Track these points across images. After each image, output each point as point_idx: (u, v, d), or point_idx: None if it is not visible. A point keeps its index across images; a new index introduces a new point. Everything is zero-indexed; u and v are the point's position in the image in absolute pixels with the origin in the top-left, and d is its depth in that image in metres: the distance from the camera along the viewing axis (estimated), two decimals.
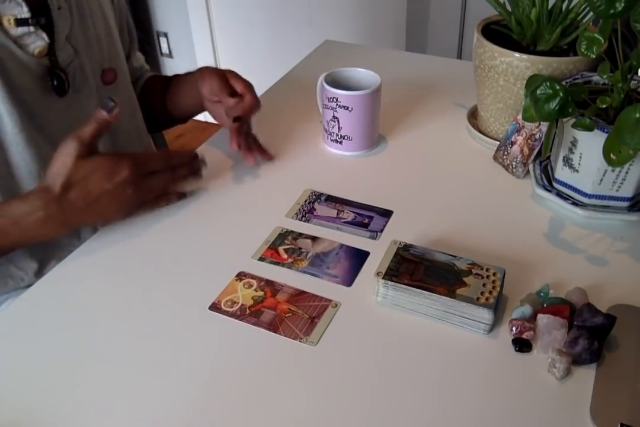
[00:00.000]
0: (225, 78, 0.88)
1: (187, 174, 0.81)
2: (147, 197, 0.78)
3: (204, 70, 0.90)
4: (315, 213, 0.82)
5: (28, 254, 0.86)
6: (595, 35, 0.70)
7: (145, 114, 1.03)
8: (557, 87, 0.70)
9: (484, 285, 0.64)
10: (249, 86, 0.87)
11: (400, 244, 0.70)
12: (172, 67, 2.71)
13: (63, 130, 0.78)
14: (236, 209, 0.83)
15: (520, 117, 0.82)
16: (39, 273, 0.87)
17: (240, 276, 0.72)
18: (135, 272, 0.73)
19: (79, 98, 0.87)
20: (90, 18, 0.87)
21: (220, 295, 0.70)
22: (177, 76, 1.05)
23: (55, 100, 0.83)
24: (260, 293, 0.70)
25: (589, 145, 0.75)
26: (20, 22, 0.77)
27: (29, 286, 0.74)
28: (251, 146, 0.90)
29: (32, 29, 0.78)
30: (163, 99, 1.05)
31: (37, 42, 0.79)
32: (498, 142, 0.91)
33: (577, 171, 0.78)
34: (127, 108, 0.97)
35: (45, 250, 0.88)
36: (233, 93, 0.87)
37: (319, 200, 0.84)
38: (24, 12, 0.77)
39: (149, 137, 1.08)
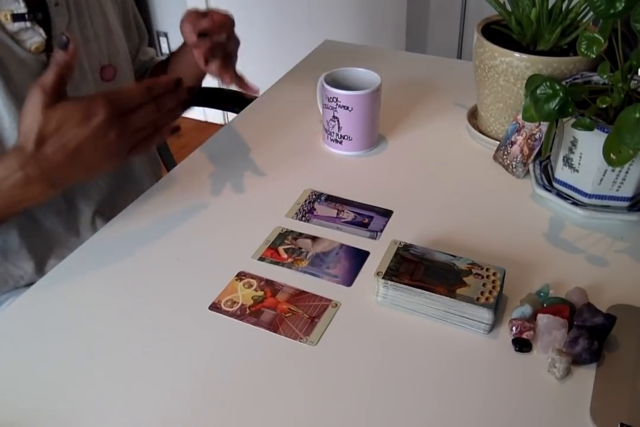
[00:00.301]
0: (204, 14, 0.84)
1: (174, 104, 0.71)
2: (135, 139, 0.68)
3: (186, 12, 0.85)
4: (315, 213, 0.82)
5: (26, 252, 0.86)
6: (595, 35, 0.70)
7: None
8: (557, 87, 0.70)
9: (484, 285, 0.64)
10: (221, 12, 0.83)
11: (400, 244, 0.70)
12: None
13: None
14: (236, 208, 0.83)
15: (520, 117, 0.82)
16: (39, 271, 0.87)
17: (240, 275, 0.72)
18: (135, 272, 0.73)
19: (77, 95, 0.87)
20: (88, 14, 0.87)
21: (220, 295, 0.70)
22: (173, 52, 1.04)
23: None
24: (260, 293, 0.70)
25: (589, 145, 0.75)
26: (16, 17, 0.77)
27: (29, 284, 0.74)
28: (227, 69, 0.84)
29: (28, 24, 0.78)
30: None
31: (34, 37, 0.79)
32: (498, 142, 0.91)
33: (577, 171, 0.78)
34: None
35: (43, 247, 0.88)
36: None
37: (319, 200, 0.84)
38: (21, 8, 0.77)
39: None
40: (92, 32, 0.88)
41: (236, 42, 0.88)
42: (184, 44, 0.97)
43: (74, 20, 0.85)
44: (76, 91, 0.86)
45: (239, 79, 0.86)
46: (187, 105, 0.74)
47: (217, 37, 0.83)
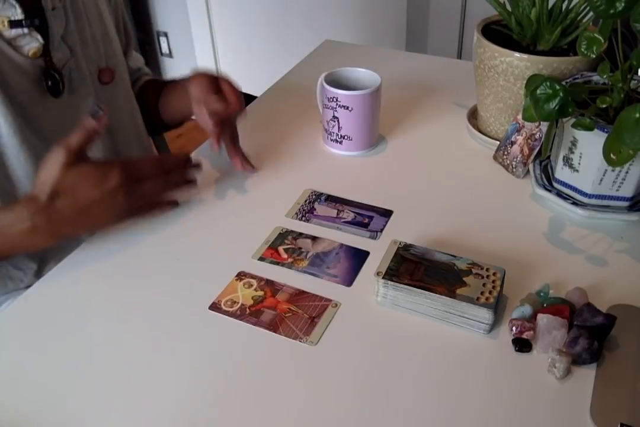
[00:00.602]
0: (215, 80, 0.85)
1: (180, 180, 0.79)
2: (137, 204, 0.74)
3: (197, 73, 0.87)
4: (315, 213, 0.82)
5: (26, 255, 0.86)
6: (595, 35, 0.70)
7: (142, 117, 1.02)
8: (557, 87, 0.70)
9: (484, 285, 0.64)
10: (235, 90, 0.85)
11: (400, 244, 0.70)
12: (172, 67, 2.71)
13: (59, 131, 0.78)
14: (236, 209, 0.83)
15: (520, 117, 0.82)
16: (38, 274, 0.87)
17: (240, 275, 0.72)
18: (134, 272, 0.73)
19: (75, 98, 0.87)
20: (85, 17, 0.87)
21: (220, 295, 0.70)
22: (172, 81, 1.03)
23: (50, 101, 0.83)
24: (260, 293, 0.70)
25: (589, 145, 0.75)
26: (13, 23, 0.77)
27: (28, 286, 0.74)
28: (237, 150, 0.88)
29: (26, 30, 0.78)
30: (157, 104, 1.04)
31: (32, 43, 0.79)
32: (498, 142, 0.91)
33: (577, 171, 0.78)
34: (125, 107, 0.97)
35: (43, 251, 0.88)
36: (220, 96, 0.84)
37: (319, 200, 0.84)
38: (18, 14, 0.77)
39: (149, 137, 1.08)
40: (90, 35, 0.88)
41: (242, 110, 0.88)
42: (184, 78, 0.94)
43: (72, 24, 0.84)
44: (75, 94, 0.86)
45: (244, 158, 0.89)
46: (191, 182, 0.81)
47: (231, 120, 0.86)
